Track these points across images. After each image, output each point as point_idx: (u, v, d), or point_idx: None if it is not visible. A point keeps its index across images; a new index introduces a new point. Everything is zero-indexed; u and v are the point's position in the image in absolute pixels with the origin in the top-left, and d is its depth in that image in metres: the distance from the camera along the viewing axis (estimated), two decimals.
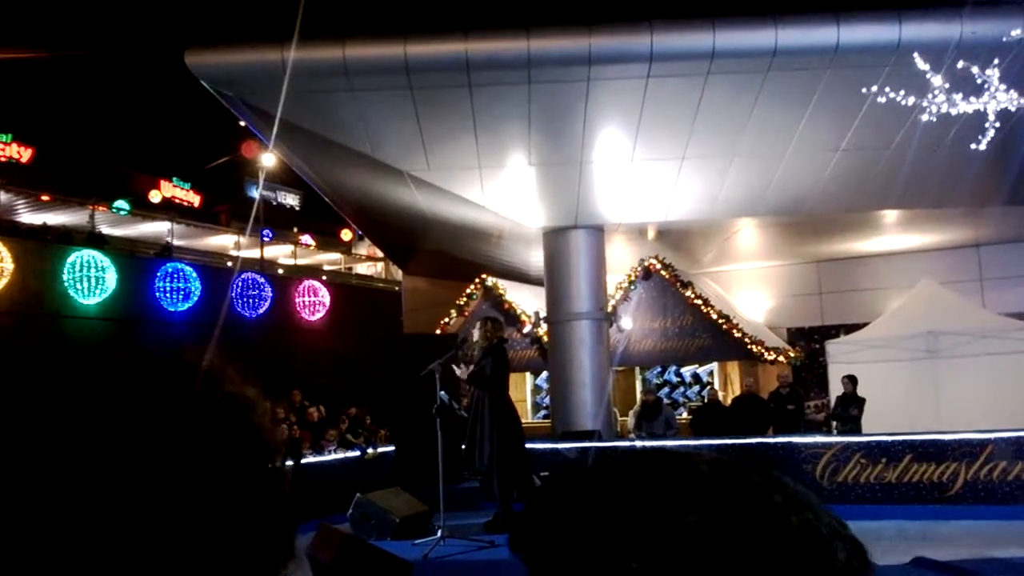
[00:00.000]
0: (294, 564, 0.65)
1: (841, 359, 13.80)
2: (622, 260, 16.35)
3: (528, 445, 9.32)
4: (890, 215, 14.74)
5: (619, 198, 13.72)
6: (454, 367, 8.03)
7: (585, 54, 11.37)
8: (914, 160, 12.07)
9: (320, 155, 13.87)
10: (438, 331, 17.51)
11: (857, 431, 11.70)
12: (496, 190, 13.51)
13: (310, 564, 6.54)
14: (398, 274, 23.18)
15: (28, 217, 22.35)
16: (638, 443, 12.08)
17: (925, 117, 10.21)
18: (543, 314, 15.35)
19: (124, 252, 19.08)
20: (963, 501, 9.78)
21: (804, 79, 11.45)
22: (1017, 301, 15.55)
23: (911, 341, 13.34)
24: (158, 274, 16.16)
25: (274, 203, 39.66)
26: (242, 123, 15.05)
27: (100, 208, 23.44)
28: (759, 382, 15.02)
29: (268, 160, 22.36)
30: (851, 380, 12.33)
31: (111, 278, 15.14)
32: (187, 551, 0.56)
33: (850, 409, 12.13)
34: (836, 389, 13.34)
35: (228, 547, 0.58)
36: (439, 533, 7.68)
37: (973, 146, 10.06)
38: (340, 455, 11.97)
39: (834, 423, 12.56)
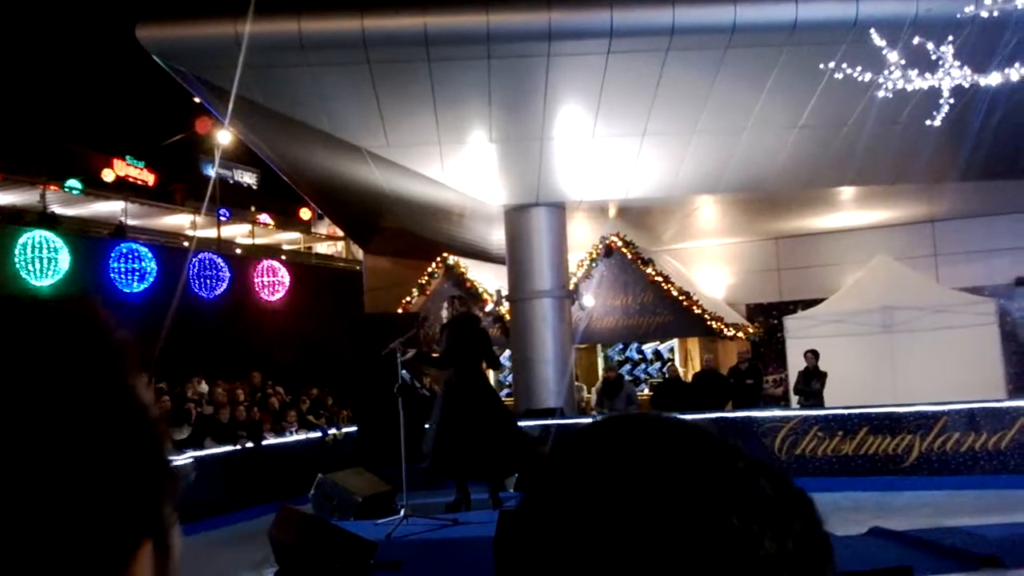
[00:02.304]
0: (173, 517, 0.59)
1: (799, 334, 13.98)
2: (583, 238, 16.37)
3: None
4: (847, 191, 14.92)
5: (580, 175, 13.70)
6: (397, 349, 7.89)
7: (545, 29, 11.29)
8: (870, 137, 12.21)
9: (277, 132, 13.64)
10: (400, 310, 17.41)
11: (820, 405, 11.87)
12: (456, 167, 13.41)
13: (272, 545, 6.48)
14: (359, 253, 23.01)
15: None
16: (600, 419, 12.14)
17: (881, 93, 10.29)
18: (505, 292, 15.33)
19: (77, 233, 18.67)
20: (918, 472, 10.00)
21: (763, 56, 11.49)
22: (971, 276, 15.86)
23: (867, 316, 13.55)
24: (112, 255, 15.86)
25: (231, 181, 39.05)
26: (197, 99, 14.74)
27: (51, 187, 22.93)
28: (719, 358, 15.17)
29: (224, 137, 21.95)
30: (814, 354, 12.49)
31: (64, 259, 14.82)
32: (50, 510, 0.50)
33: (812, 383, 12.31)
34: (794, 364, 13.51)
35: (94, 506, 0.52)
36: (402, 512, 7.65)
37: (928, 122, 10.17)
38: (301, 436, 11.88)
39: (796, 397, 12.73)
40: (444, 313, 8.67)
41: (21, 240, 14.45)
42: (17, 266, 14.24)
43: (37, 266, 14.48)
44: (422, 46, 11.42)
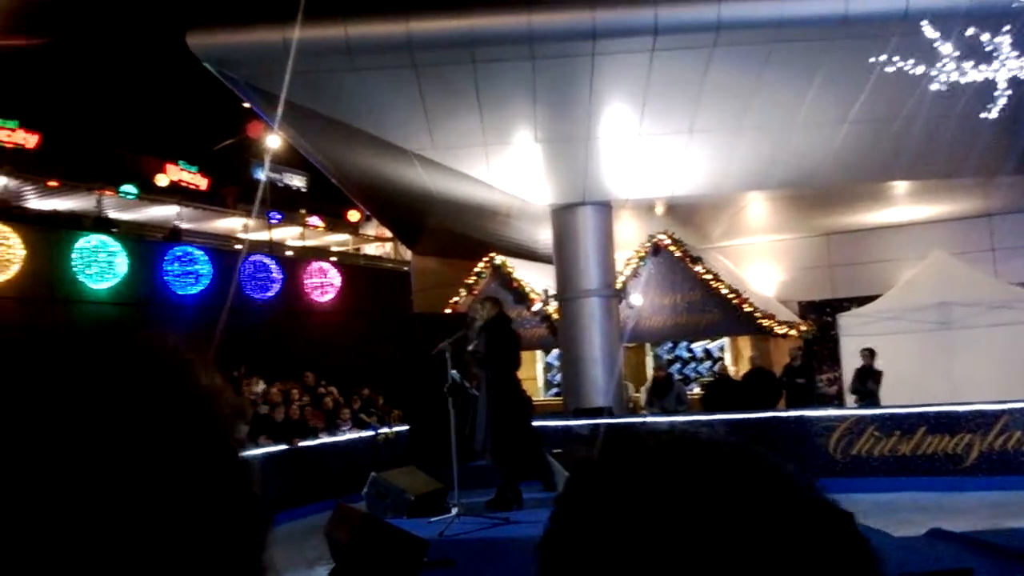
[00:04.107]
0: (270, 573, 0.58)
1: (853, 332, 13.75)
2: (631, 236, 16.30)
3: (540, 423, 9.32)
4: (900, 186, 14.62)
5: (626, 173, 13.64)
6: (446, 349, 7.94)
7: (589, 28, 11.27)
8: (923, 130, 11.95)
9: (325, 136, 13.82)
10: (448, 310, 17.51)
11: (876, 404, 11.65)
12: (502, 168, 13.44)
13: (328, 543, 6.58)
14: (407, 254, 23.18)
15: (36, 203, 22.40)
16: (649, 419, 12.09)
17: (934, 86, 10.12)
18: (552, 292, 15.33)
19: (133, 236, 19.11)
20: (978, 472, 9.77)
21: (811, 50, 11.32)
22: None
23: (923, 312, 13.27)
24: (167, 258, 16.18)
25: (281, 185, 39.60)
26: (247, 104, 15.00)
27: (107, 193, 23.50)
28: (770, 356, 14.98)
29: (274, 141, 22.30)
30: (870, 353, 12.26)
31: (121, 263, 15.16)
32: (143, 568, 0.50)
33: (868, 382, 12.08)
34: (848, 362, 13.29)
35: (189, 560, 0.52)
36: (454, 511, 7.70)
37: (983, 115, 9.95)
38: (354, 435, 12.02)
39: (852, 396, 12.51)
40: (477, 317, 8.65)
41: (79, 244, 14.82)
42: (76, 270, 14.61)
43: (95, 270, 14.83)
44: (467, 48, 11.48)
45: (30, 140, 30.88)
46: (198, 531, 0.52)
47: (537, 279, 17.37)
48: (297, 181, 41.82)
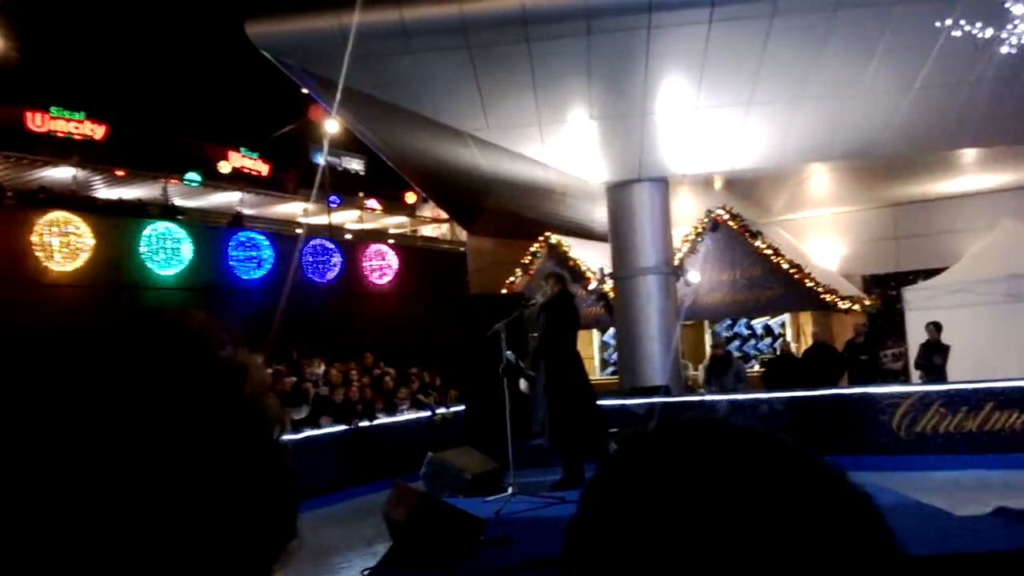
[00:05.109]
0: (296, 544, 0.60)
1: (919, 306, 13.39)
2: (688, 212, 16.10)
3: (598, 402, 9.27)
4: (968, 154, 14.14)
5: (683, 148, 13.46)
6: (501, 330, 7.93)
7: (645, 1, 11.10)
8: (991, 96, 11.52)
9: (381, 119, 13.93)
10: (504, 290, 17.56)
11: (942, 380, 11.36)
12: (557, 146, 13.38)
13: (386, 522, 6.69)
14: (463, 235, 23.28)
15: (104, 192, 23.06)
16: (707, 397, 11.99)
17: (1004, 49, 9.72)
18: (608, 270, 15.25)
19: (197, 223, 19.57)
20: None
21: (873, 16, 10.99)
22: None
23: (992, 285, 12.85)
24: (231, 243, 16.55)
25: (339, 169, 40.09)
26: (305, 90, 15.20)
27: (172, 181, 24.07)
28: (832, 332, 14.68)
29: (332, 126, 22.56)
30: (936, 327, 11.95)
31: (186, 249, 15.56)
32: (177, 537, 0.52)
33: (934, 357, 11.78)
34: (914, 337, 12.96)
35: (223, 531, 0.53)
36: (510, 490, 7.76)
37: None
38: (412, 415, 12.19)
39: (917, 372, 12.22)
40: (540, 294, 8.62)
41: (146, 232, 15.24)
42: (144, 256, 15.03)
43: (162, 256, 15.25)
44: (520, 26, 11.43)
45: (97, 131, 31.77)
46: (228, 506, 0.54)
47: (593, 258, 17.29)
48: (355, 165, 42.28)
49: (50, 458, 0.51)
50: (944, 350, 11.78)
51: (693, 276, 16.09)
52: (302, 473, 0.59)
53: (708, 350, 14.58)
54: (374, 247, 19.74)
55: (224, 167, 35.30)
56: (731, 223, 16.13)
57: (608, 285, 15.91)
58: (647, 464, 0.58)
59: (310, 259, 17.62)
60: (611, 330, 16.78)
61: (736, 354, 15.17)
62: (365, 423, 11.34)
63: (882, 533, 0.56)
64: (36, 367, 0.55)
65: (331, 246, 18.38)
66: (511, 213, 17.51)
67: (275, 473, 0.58)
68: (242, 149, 37.29)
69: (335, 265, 18.11)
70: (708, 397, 11.96)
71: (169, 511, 0.52)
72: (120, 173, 23.28)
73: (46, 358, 0.55)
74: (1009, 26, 9.49)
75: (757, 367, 16.01)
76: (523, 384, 8.41)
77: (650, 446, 0.60)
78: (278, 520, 0.58)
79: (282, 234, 20.49)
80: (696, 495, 0.54)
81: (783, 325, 17.05)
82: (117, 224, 15.63)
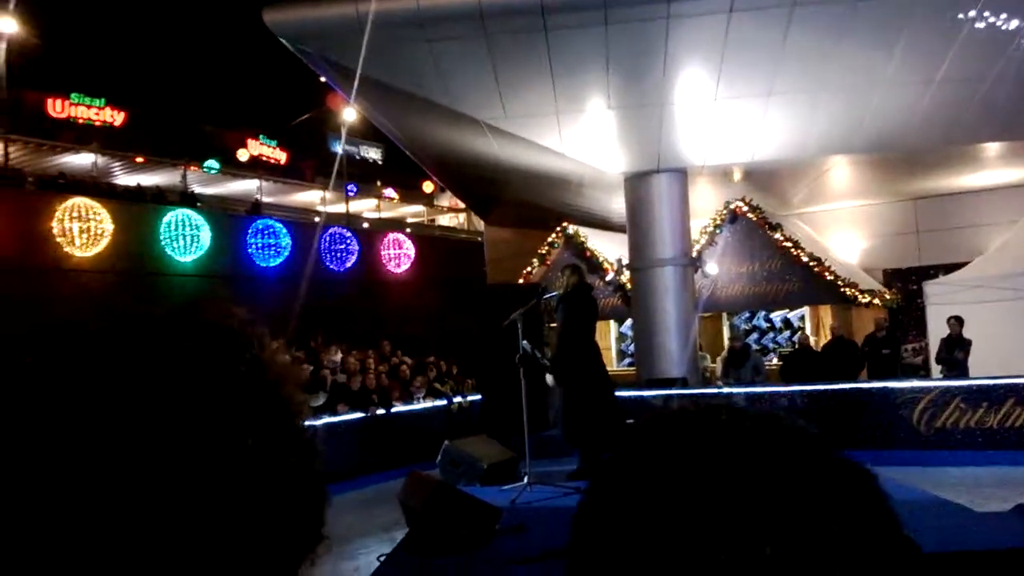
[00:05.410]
0: (325, 547, 0.59)
1: (940, 300, 13.27)
2: (707, 204, 16.01)
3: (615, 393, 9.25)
4: (991, 148, 13.97)
5: (702, 139, 13.37)
6: (517, 320, 7.92)
7: None
8: (1015, 89, 11.37)
9: (399, 108, 13.91)
10: (521, 280, 17.54)
11: (963, 375, 11.26)
12: (575, 136, 13.33)
13: (402, 509, 6.71)
14: (480, 224, 23.27)
15: (124, 179, 23.19)
16: (725, 389, 11.94)
17: None
18: (626, 261, 15.19)
19: (216, 210, 19.64)
20: None
21: (895, 7, 10.85)
22: None
23: (1014, 280, 12.71)
24: (249, 231, 16.60)
25: (357, 157, 40.13)
26: (323, 78, 15.20)
27: (191, 168, 24.17)
28: (851, 326, 14.56)
29: (350, 115, 22.57)
30: (958, 321, 11.83)
31: (205, 236, 15.62)
32: (207, 536, 0.51)
33: (955, 352, 11.67)
34: (935, 332, 12.85)
35: (253, 529, 0.53)
36: (525, 479, 7.76)
37: None
38: (428, 404, 12.21)
39: (938, 367, 12.11)
40: (558, 286, 8.62)
41: (166, 219, 15.31)
42: (163, 243, 15.10)
43: (181, 243, 15.31)
44: (538, 15, 11.36)
45: (117, 117, 31.91)
46: (261, 505, 0.53)
47: (610, 248, 17.24)
48: (373, 153, 42.30)
49: (80, 455, 0.50)
50: (966, 345, 11.67)
51: (711, 268, 16.01)
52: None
53: (726, 342, 14.52)
54: (392, 236, 19.75)
55: (243, 155, 35.41)
56: (750, 215, 16.04)
57: (625, 276, 15.86)
58: (655, 450, 0.57)
59: (328, 247, 17.67)
60: (628, 321, 16.73)
61: (754, 347, 15.09)
62: (382, 411, 11.38)
63: (882, 509, 0.55)
64: (80, 363, 0.54)
65: (349, 235, 18.41)
66: (528, 203, 17.48)
67: (304, 478, 0.58)
68: (261, 137, 37.39)
69: (352, 253, 18.15)
70: (725, 389, 11.91)
71: (202, 510, 0.51)
72: (140, 160, 23.40)
73: (88, 354, 0.55)
74: None
75: (775, 360, 15.94)
76: (549, 378, 8.41)
77: (657, 433, 0.59)
78: (305, 522, 0.57)
79: (300, 222, 20.54)
80: (702, 481, 0.53)
81: (802, 318, 16.95)
82: (137, 211, 15.72)
